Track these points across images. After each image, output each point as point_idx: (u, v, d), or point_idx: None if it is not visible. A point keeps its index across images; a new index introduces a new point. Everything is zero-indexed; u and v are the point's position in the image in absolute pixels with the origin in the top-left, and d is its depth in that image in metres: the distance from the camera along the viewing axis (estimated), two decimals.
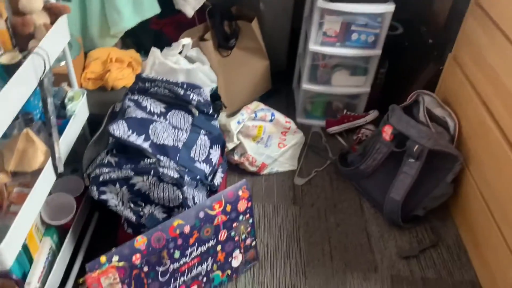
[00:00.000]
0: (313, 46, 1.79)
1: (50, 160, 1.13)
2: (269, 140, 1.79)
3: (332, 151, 1.89)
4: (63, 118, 1.30)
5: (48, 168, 1.12)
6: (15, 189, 1.11)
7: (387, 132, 1.57)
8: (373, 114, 1.96)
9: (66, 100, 1.31)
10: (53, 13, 1.17)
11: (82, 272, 1.30)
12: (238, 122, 1.72)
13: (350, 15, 1.69)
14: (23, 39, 1.10)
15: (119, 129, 1.24)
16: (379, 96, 2.00)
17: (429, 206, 1.58)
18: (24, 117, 1.17)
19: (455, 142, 1.59)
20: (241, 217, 1.31)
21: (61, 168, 1.15)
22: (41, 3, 1.12)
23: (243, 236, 1.35)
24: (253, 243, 1.40)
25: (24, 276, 1.14)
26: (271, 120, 1.79)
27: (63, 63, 1.43)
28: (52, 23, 1.17)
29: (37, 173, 1.11)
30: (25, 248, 1.13)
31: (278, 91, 2.17)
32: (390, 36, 1.83)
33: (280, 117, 1.81)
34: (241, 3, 2.01)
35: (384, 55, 1.83)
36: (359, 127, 1.95)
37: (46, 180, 1.12)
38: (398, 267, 1.47)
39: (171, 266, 1.19)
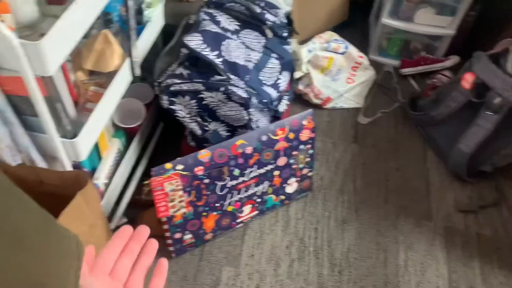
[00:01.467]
0: None
1: (126, 63, 1.15)
2: (338, 74, 1.72)
3: (402, 93, 1.80)
4: (139, 24, 1.29)
5: (124, 70, 1.14)
6: (91, 87, 1.15)
7: (467, 80, 1.46)
8: (453, 60, 1.82)
9: (143, 6, 1.29)
10: None
11: (144, 176, 1.37)
12: (309, 51, 1.66)
13: None
14: None
15: (194, 41, 1.23)
16: (463, 41, 1.85)
17: (499, 163, 1.50)
18: (104, 18, 1.17)
19: None
20: (301, 147, 1.30)
21: (137, 71, 1.17)
22: None
23: (301, 166, 1.35)
24: (310, 174, 1.40)
25: (93, 171, 1.22)
26: (343, 53, 1.71)
27: None
28: None
29: (112, 74, 1.14)
30: (95, 146, 1.19)
31: (354, 23, 2.06)
32: None
33: (353, 50, 1.72)
34: None
35: None
36: (435, 71, 1.83)
37: (122, 81, 1.15)
38: (453, 220, 1.43)
39: (230, 183, 1.22)
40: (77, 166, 1.10)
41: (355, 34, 2.00)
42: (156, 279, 0.46)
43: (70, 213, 0.90)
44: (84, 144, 1.02)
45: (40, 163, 1.00)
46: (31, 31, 0.90)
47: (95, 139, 1.10)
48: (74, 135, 0.99)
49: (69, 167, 1.02)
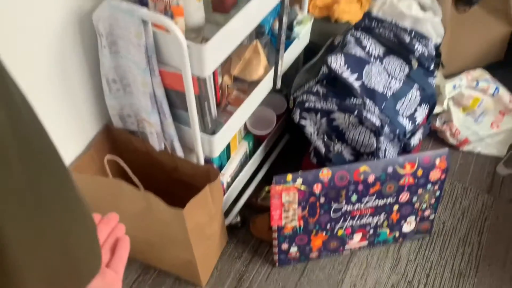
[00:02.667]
0: None
1: (269, 74, 1.21)
2: (482, 116, 1.59)
3: None
4: (287, 39, 1.35)
5: (267, 81, 1.20)
6: (234, 92, 1.23)
7: None
8: None
9: (294, 23, 1.35)
10: None
11: (263, 181, 1.43)
12: (454, 87, 1.56)
13: None
14: None
15: (336, 62, 1.24)
16: None
17: None
18: (257, 29, 1.25)
19: None
20: (429, 186, 1.23)
21: (279, 85, 1.22)
22: None
23: (424, 206, 1.28)
24: (431, 216, 1.31)
25: (220, 168, 1.30)
26: (492, 95, 1.57)
27: None
28: None
29: (254, 83, 1.21)
30: (227, 145, 1.28)
31: (509, 65, 1.88)
32: None
33: (504, 94, 1.58)
34: None
35: None
36: None
37: (262, 91, 1.21)
38: None
39: (345, 207, 1.21)
40: (208, 161, 1.19)
41: (509, 76, 1.82)
42: (120, 250, 0.49)
43: (197, 202, 0.98)
44: (220, 142, 1.10)
45: (179, 152, 1.10)
46: (195, 34, 1.00)
47: (229, 139, 1.18)
48: (212, 132, 1.08)
49: (202, 161, 1.11)
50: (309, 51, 1.50)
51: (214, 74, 1.06)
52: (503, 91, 1.58)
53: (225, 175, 1.29)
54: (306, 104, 1.25)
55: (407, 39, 1.33)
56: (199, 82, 0.97)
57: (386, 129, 1.20)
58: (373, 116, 1.19)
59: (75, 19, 0.95)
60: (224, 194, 1.28)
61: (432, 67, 1.34)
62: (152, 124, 1.04)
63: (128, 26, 0.86)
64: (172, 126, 1.05)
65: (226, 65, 1.21)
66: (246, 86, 1.24)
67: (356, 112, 1.19)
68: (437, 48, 1.49)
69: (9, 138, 0.26)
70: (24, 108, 0.29)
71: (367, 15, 1.41)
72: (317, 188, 1.16)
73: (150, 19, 0.85)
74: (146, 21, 0.86)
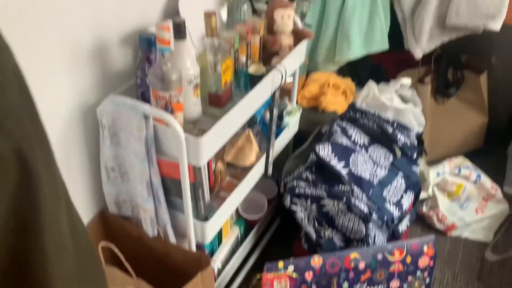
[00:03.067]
0: None
1: (260, 161, 1.27)
2: (466, 202, 1.65)
3: None
4: (278, 128, 1.43)
5: (258, 168, 1.26)
6: (227, 178, 1.28)
7: None
8: None
9: (284, 113, 1.44)
10: (298, 37, 1.31)
11: (254, 267, 1.42)
12: (438, 174, 1.63)
13: None
14: (268, 55, 1.26)
15: (324, 150, 1.31)
16: None
17: None
18: (250, 119, 1.33)
19: None
20: (418, 273, 1.24)
21: (270, 171, 1.27)
22: (291, 27, 1.27)
23: None
24: None
25: (211, 253, 1.31)
26: (475, 181, 1.64)
27: (290, 80, 1.58)
28: (294, 44, 1.31)
29: (246, 169, 1.26)
30: (219, 230, 1.29)
31: (489, 151, 1.98)
32: None
33: (486, 180, 1.65)
34: (472, 53, 1.90)
35: None
36: None
37: (254, 177, 1.26)
38: None
39: None
40: (199, 246, 1.20)
41: (490, 163, 1.91)
42: None
43: None
44: (212, 228, 1.13)
45: (172, 238, 1.12)
46: (193, 125, 1.07)
47: (221, 225, 1.21)
48: (205, 218, 1.10)
49: (193, 247, 1.12)
50: (298, 138, 1.58)
51: (208, 161, 1.11)
52: (484, 178, 1.65)
53: (216, 261, 1.29)
54: (296, 190, 1.30)
55: (390, 129, 1.41)
56: (195, 171, 1.01)
57: (374, 216, 1.24)
58: (361, 203, 1.23)
59: (81, 111, 1.01)
60: (215, 280, 1.27)
61: (415, 156, 1.42)
62: (146, 210, 1.07)
63: (131, 120, 0.93)
64: (166, 212, 1.08)
65: (220, 151, 1.26)
66: (239, 171, 1.29)
67: (344, 199, 1.24)
68: (419, 136, 1.58)
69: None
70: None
71: (352, 106, 1.51)
72: (308, 276, 1.16)
73: (152, 115, 0.92)
74: (148, 116, 0.92)
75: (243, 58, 1.17)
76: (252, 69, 1.20)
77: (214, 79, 1.07)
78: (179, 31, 0.93)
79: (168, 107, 0.93)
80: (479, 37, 1.49)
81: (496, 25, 1.41)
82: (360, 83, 1.83)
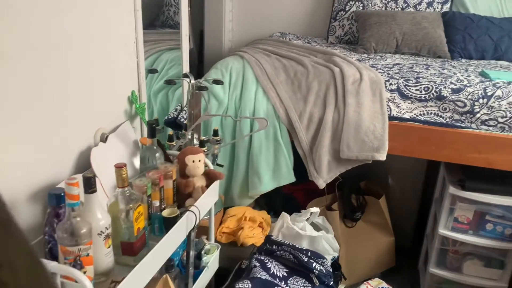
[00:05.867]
0: (443, 231, 1.75)
1: None
2: None
3: None
4: (197, 269, 1.42)
5: None
6: None
7: None
8: None
9: (202, 252, 1.45)
10: (209, 178, 1.40)
11: None
12: None
13: (484, 205, 1.66)
14: (182, 197, 1.32)
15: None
16: None
17: None
18: (167, 263, 1.32)
19: None
20: None
21: None
22: (203, 170, 1.36)
23: None
24: None
25: None
26: None
27: (206, 217, 1.62)
28: (207, 185, 1.38)
29: None
30: None
31: (402, 270, 2.09)
32: None
33: None
34: (370, 179, 2.12)
35: None
36: None
37: None
38: None
39: None
40: None
41: (404, 281, 2.01)
42: None
43: None
44: None
45: None
46: (105, 277, 1.04)
47: None
48: None
49: None
50: (220, 276, 1.57)
51: None
52: None
53: None
54: None
55: (305, 259, 1.47)
56: None
57: None
58: None
59: None
60: None
61: (331, 283, 1.46)
62: None
63: None
64: None
65: None
66: None
67: None
68: (335, 261, 1.65)
69: None
70: None
71: (268, 239, 1.56)
72: None
73: (59, 272, 0.89)
74: (55, 273, 0.89)
75: (156, 203, 1.21)
76: (166, 212, 1.23)
77: (127, 227, 1.08)
78: (89, 185, 0.96)
79: (77, 262, 0.91)
80: (375, 163, 1.70)
81: (381, 156, 1.63)
82: (275, 213, 1.93)
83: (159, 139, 1.37)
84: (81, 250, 0.92)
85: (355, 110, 1.64)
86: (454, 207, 1.71)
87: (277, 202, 2.15)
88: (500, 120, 1.56)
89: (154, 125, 1.30)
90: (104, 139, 1.25)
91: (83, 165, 1.20)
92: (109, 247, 1.02)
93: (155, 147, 1.31)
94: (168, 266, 1.32)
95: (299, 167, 1.86)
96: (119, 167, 1.05)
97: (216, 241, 1.69)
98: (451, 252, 1.80)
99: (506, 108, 1.55)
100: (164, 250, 1.12)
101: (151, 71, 1.68)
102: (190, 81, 1.56)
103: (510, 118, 1.55)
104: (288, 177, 1.83)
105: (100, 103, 1.25)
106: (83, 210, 0.96)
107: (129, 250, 1.08)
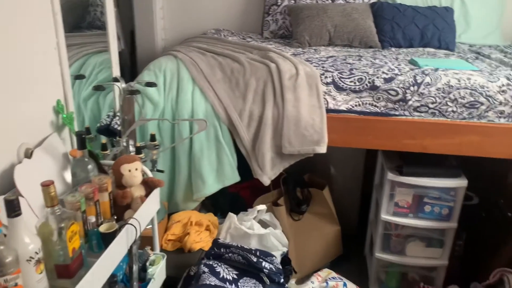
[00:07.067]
0: (385, 216, 1.81)
1: None
2: None
3: None
4: (143, 281, 1.36)
5: None
6: None
7: None
8: None
9: (147, 264, 1.39)
10: (149, 186, 1.34)
11: None
12: None
13: (421, 188, 1.73)
14: (120, 209, 1.25)
15: None
16: (458, 270, 1.89)
17: None
18: (109, 280, 1.25)
19: None
20: None
21: None
22: (140, 178, 1.30)
23: None
24: None
25: None
26: None
27: (149, 227, 1.56)
28: (147, 194, 1.32)
29: None
30: None
31: (349, 257, 2.14)
32: (465, 206, 1.81)
33: (352, 286, 1.75)
34: (313, 171, 2.14)
35: (461, 226, 1.78)
36: None
37: None
38: None
39: None
40: None
41: (352, 268, 2.06)
42: None
43: None
44: None
45: None
46: None
47: None
48: None
49: None
50: (168, 286, 1.52)
51: None
52: (350, 285, 1.75)
53: None
54: None
55: (254, 259, 1.45)
56: None
57: None
58: None
59: None
60: None
61: (282, 280, 1.46)
62: None
63: None
64: None
65: None
66: None
67: None
68: (285, 256, 1.65)
69: None
70: None
71: (215, 242, 1.53)
72: None
73: None
74: None
75: (92, 219, 1.14)
76: (103, 227, 1.16)
77: (60, 248, 1.00)
78: (12, 208, 0.87)
79: None
80: (316, 155, 1.71)
81: (322, 149, 1.64)
82: (222, 214, 1.89)
83: (93, 149, 1.29)
84: (8, 281, 0.84)
85: (293, 105, 1.64)
86: (394, 192, 1.77)
87: (223, 203, 2.11)
88: (430, 106, 1.62)
89: (83, 135, 1.22)
90: (29, 154, 1.15)
91: (7, 185, 1.10)
92: (41, 273, 0.94)
93: (86, 159, 1.23)
94: (111, 283, 1.25)
95: (243, 165, 1.84)
96: (45, 185, 0.96)
97: (162, 249, 1.64)
98: (394, 236, 1.86)
99: (435, 94, 1.61)
100: (104, 268, 1.06)
101: (77, 77, 1.58)
102: (120, 85, 1.49)
103: (440, 103, 1.62)
104: (232, 177, 1.80)
105: (22, 116, 1.15)
106: (8, 236, 0.87)
107: (65, 273, 1.01)
